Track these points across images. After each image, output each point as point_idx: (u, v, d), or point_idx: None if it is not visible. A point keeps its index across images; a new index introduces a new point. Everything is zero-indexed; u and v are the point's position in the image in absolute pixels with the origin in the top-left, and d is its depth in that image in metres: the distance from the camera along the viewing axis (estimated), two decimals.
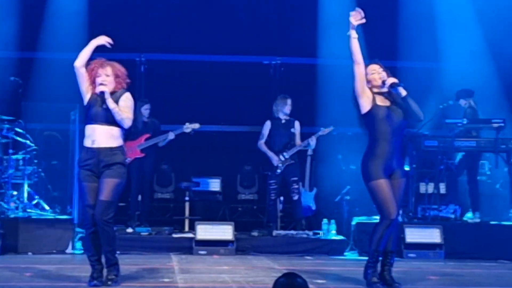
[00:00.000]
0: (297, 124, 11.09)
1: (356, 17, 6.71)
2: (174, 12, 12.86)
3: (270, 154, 10.90)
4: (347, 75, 12.08)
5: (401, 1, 12.38)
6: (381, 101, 6.95)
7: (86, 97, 7.02)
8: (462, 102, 11.42)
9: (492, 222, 10.93)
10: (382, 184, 6.81)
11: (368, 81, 6.98)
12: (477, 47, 12.00)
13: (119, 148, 6.95)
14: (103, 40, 7.04)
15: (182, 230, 11.00)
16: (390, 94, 6.94)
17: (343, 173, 11.54)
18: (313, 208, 11.30)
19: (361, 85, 6.88)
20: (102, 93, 6.93)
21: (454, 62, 12.58)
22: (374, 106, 6.90)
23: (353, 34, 6.76)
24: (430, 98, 11.84)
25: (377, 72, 6.96)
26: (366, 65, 6.99)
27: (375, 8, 12.08)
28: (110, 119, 6.88)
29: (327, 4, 12.66)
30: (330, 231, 10.68)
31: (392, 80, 6.89)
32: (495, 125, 10.98)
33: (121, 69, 7.08)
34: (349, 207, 11.20)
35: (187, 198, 11.37)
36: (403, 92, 6.87)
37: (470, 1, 12.20)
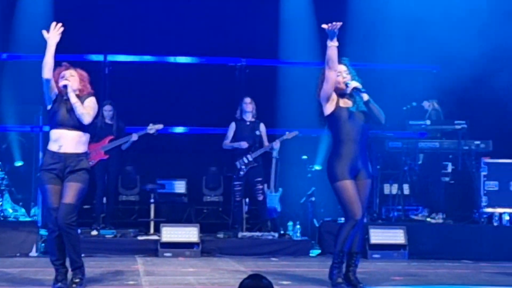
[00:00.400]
0: (262, 126, 11.10)
1: (334, 26, 6.67)
2: (139, 13, 12.81)
3: (237, 144, 10.91)
4: (309, 76, 12.18)
5: (367, 3, 12.46)
6: (344, 103, 6.97)
7: (52, 101, 6.94)
8: (426, 104, 11.52)
9: (455, 223, 11.03)
10: (348, 185, 6.83)
11: None
12: (443, 49, 12.10)
13: (85, 154, 6.93)
14: (53, 32, 6.86)
15: (147, 232, 10.95)
16: (352, 96, 6.96)
17: (308, 174, 11.57)
18: (278, 209, 11.31)
19: (331, 91, 6.90)
20: (65, 87, 6.85)
21: (419, 64, 12.71)
22: (337, 108, 6.93)
23: (335, 43, 6.74)
24: (394, 99, 11.93)
25: (341, 75, 6.96)
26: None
27: (339, 9, 12.21)
28: (77, 124, 6.84)
29: (287, 5, 12.72)
30: (295, 232, 10.70)
31: (354, 84, 6.91)
32: (458, 126, 11.12)
33: (84, 74, 7.06)
34: (314, 208, 11.24)
35: (152, 200, 11.32)
36: (365, 96, 6.89)
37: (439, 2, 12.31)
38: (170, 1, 12.84)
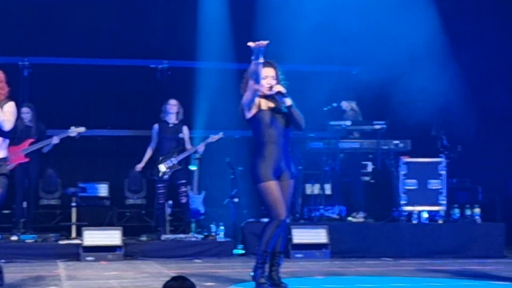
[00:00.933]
0: (185, 129, 11.06)
1: (260, 45, 6.66)
2: (59, 15, 12.61)
3: (144, 159, 10.91)
4: (231, 78, 12.22)
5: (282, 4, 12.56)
6: (266, 105, 6.99)
7: None
8: (344, 104, 11.65)
9: (375, 221, 11.20)
10: (272, 185, 6.86)
11: None
12: (362, 50, 12.27)
13: (3, 159, 6.78)
14: None
15: (69, 237, 10.80)
16: (275, 99, 6.99)
17: (231, 175, 11.55)
18: (202, 211, 11.30)
19: (253, 101, 6.90)
20: None
21: (339, 66, 12.88)
22: (259, 110, 6.94)
23: (260, 60, 6.73)
24: (315, 100, 12.03)
25: (267, 80, 6.95)
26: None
27: (254, 11, 12.28)
28: None
29: (205, 7, 12.74)
30: (218, 234, 10.70)
31: (278, 88, 6.93)
32: (377, 126, 11.28)
33: (0, 76, 6.90)
34: (237, 209, 11.26)
35: (74, 204, 11.17)
36: (287, 101, 6.93)
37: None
38: (92, 2, 12.67)
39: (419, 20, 12.10)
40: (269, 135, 6.91)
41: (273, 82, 6.99)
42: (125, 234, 10.29)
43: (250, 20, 12.35)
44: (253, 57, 6.67)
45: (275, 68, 7.06)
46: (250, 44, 6.62)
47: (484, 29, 12.88)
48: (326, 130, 11.38)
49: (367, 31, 12.14)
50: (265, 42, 6.61)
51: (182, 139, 10.98)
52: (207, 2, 12.82)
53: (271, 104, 7.00)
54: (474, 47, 12.75)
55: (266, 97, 6.99)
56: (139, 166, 11.01)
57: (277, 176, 6.92)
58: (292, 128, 7.08)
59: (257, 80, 6.77)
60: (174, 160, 10.84)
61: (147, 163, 11.07)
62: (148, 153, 11.01)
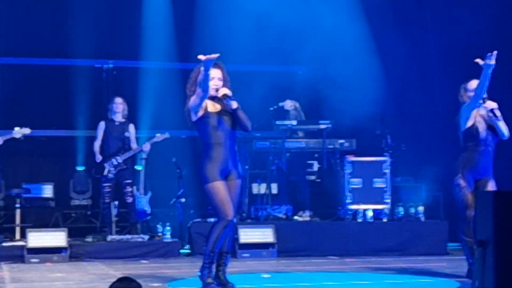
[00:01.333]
0: (131, 127, 10.99)
1: (210, 58, 6.66)
2: (1, 14, 12.42)
3: (98, 157, 10.78)
4: (176, 78, 12.19)
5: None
6: (212, 107, 6.99)
7: None
8: (287, 104, 11.69)
9: (321, 220, 11.27)
10: (219, 186, 6.87)
11: None
12: (307, 51, 12.33)
13: None
14: None
15: (12, 238, 10.64)
16: (221, 101, 6.99)
17: (177, 176, 11.52)
18: (148, 211, 11.25)
19: (199, 106, 6.89)
20: None
21: (286, 65, 12.93)
22: (206, 113, 6.94)
23: (209, 72, 6.74)
24: (261, 100, 12.07)
25: (213, 82, 6.94)
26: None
27: (200, 11, 12.28)
28: None
29: (149, 7, 12.71)
30: (165, 234, 10.66)
31: (224, 91, 6.93)
32: (323, 126, 11.35)
33: None
34: (183, 209, 11.23)
35: (18, 205, 11.01)
36: (234, 104, 6.94)
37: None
38: (38, 2, 12.52)
39: (359, 20, 12.23)
40: (216, 137, 6.92)
41: (220, 83, 6.99)
42: (70, 235, 10.19)
43: (193, 20, 12.37)
44: (202, 69, 6.67)
45: (222, 69, 7.06)
46: (200, 57, 6.65)
47: (426, 26, 13.07)
48: (272, 129, 11.41)
49: (312, 31, 12.21)
50: (215, 56, 6.65)
51: (128, 138, 10.91)
52: (150, 2, 12.77)
53: (218, 106, 7.00)
54: (416, 45, 12.95)
55: (213, 99, 6.99)
56: (99, 158, 10.82)
57: (225, 176, 6.94)
58: (238, 129, 7.10)
59: (205, 91, 6.78)
60: (119, 159, 10.76)
61: (94, 162, 10.96)
62: (97, 147, 10.86)
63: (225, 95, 6.91)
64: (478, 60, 7.33)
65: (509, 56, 11.89)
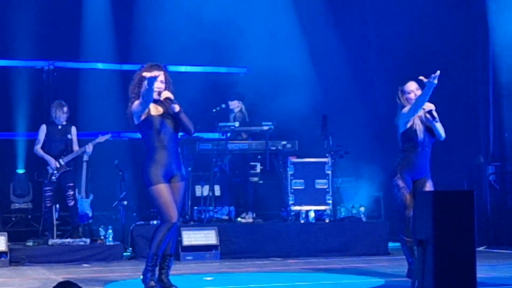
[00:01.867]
0: (73, 129, 10.88)
1: (154, 76, 6.68)
2: None
3: (47, 157, 10.63)
4: (116, 79, 12.12)
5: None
6: (155, 110, 6.98)
7: None
8: (235, 104, 11.71)
9: (264, 221, 11.32)
10: (162, 188, 6.87)
11: None
12: (249, 52, 12.38)
13: None
14: None
15: None
16: (164, 104, 6.99)
17: (120, 178, 11.47)
18: (90, 214, 11.15)
19: (143, 112, 6.88)
20: None
21: (228, 66, 12.96)
22: (148, 116, 6.93)
23: (152, 87, 6.76)
24: (204, 101, 12.08)
25: (155, 85, 6.94)
26: (148, 68, 6.97)
27: (136, 11, 12.24)
28: None
29: (89, 8, 12.62)
30: (107, 237, 10.60)
31: (166, 94, 6.94)
32: (265, 127, 11.39)
33: None
34: (126, 212, 11.17)
35: None
36: (176, 108, 6.95)
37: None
38: None
39: (300, 21, 12.32)
40: (159, 140, 6.92)
41: (162, 86, 6.99)
42: (10, 239, 10.05)
43: (133, 20, 12.34)
44: (145, 83, 6.68)
45: (164, 71, 7.06)
46: (145, 74, 6.66)
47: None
48: (215, 131, 11.42)
49: (255, 31, 12.26)
50: (158, 73, 6.75)
51: (71, 140, 10.80)
52: (90, 3, 12.68)
53: (161, 109, 7.00)
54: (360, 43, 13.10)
55: (155, 102, 6.99)
56: (54, 162, 10.66)
57: (168, 179, 6.95)
58: (181, 132, 7.11)
59: (147, 103, 6.79)
60: (62, 162, 10.66)
61: (35, 165, 10.83)
62: (40, 150, 10.72)
63: (167, 99, 6.91)
64: (422, 78, 7.44)
65: (448, 58, 12.16)
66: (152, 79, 6.69)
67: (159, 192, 6.87)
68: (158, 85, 6.95)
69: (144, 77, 6.82)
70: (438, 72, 7.32)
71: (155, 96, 6.93)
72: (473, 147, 12.57)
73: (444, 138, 7.77)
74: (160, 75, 6.98)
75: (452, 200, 5.79)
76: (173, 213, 6.90)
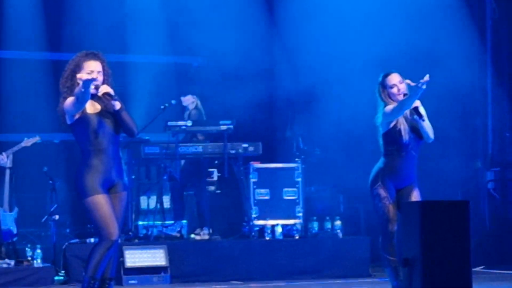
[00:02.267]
0: None
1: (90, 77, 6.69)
2: None
3: None
4: (44, 70, 12.06)
5: None
6: (92, 108, 6.96)
7: None
8: (186, 100, 11.70)
9: (223, 238, 11.34)
10: (101, 200, 6.85)
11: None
12: (205, 40, 12.40)
13: None
14: None
15: None
16: (102, 100, 6.98)
17: (50, 188, 11.42)
18: (15, 231, 11.10)
19: (78, 111, 6.88)
20: None
21: (178, 56, 12.96)
22: (84, 115, 6.92)
23: (90, 90, 6.77)
24: (150, 97, 12.08)
25: (92, 75, 6.93)
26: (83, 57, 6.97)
27: None
28: None
29: None
30: (35, 258, 10.55)
31: (105, 89, 6.92)
32: (223, 127, 11.37)
33: None
34: (57, 228, 11.12)
35: None
36: (117, 105, 6.94)
37: None
38: None
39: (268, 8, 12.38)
40: (96, 143, 6.90)
41: (100, 78, 6.98)
42: None
43: (67, 2, 12.29)
44: (81, 85, 6.68)
45: (102, 61, 7.05)
46: (81, 76, 6.68)
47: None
48: (163, 132, 11.41)
49: (209, 15, 12.28)
50: (96, 76, 6.74)
51: None
52: None
53: (98, 106, 6.99)
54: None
55: (92, 97, 6.98)
56: None
57: (107, 188, 6.93)
58: (122, 133, 7.10)
59: (80, 105, 6.78)
60: None
61: None
62: None
63: (106, 94, 6.91)
64: (409, 82, 7.50)
65: (439, 43, 12.28)
66: (88, 82, 6.68)
67: (97, 204, 6.85)
68: (95, 74, 6.94)
69: (79, 67, 6.83)
70: (427, 76, 7.37)
71: (92, 90, 6.92)
72: (468, 150, 12.72)
73: (433, 140, 7.84)
74: (97, 66, 6.98)
75: (443, 211, 5.86)
76: (114, 229, 6.88)
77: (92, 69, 6.92)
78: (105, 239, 6.90)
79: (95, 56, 7.00)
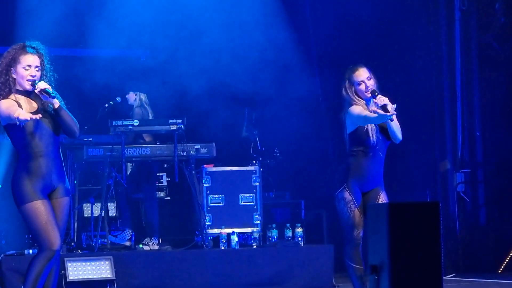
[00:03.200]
0: None
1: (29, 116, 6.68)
2: None
3: None
4: None
5: None
6: (28, 107, 6.92)
7: None
8: (132, 97, 11.66)
9: (173, 249, 11.31)
10: (40, 206, 6.84)
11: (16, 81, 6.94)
12: (152, 31, 12.39)
13: None
14: None
15: None
16: (39, 97, 6.95)
17: None
18: None
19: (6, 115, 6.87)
20: None
21: (122, 49, 12.93)
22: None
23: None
24: (92, 94, 12.03)
25: (28, 72, 6.89)
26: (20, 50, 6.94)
27: None
28: None
29: None
30: None
31: (43, 85, 6.89)
32: (173, 127, 11.34)
33: None
34: None
35: None
36: (55, 104, 6.91)
37: None
38: None
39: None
40: (34, 145, 6.88)
41: (37, 74, 6.95)
42: None
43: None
44: (16, 119, 6.65)
45: (40, 55, 7.02)
46: (17, 114, 6.64)
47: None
48: (107, 132, 11.37)
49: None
50: (33, 116, 6.65)
51: None
52: None
53: (35, 105, 6.96)
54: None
55: (29, 94, 6.94)
56: None
57: (47, 194, 6.91)
58: (63, 134, 7.07)
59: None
60: None
61: None
62: None
63: (43, 91, 6.86)
64: (376, 110, 7.52)
65: (402, 31, 12.36)
66: (24, 121, 6.64)
67: (36, 211, 6.83)
68: (32, 72, 6.91)
69: (15, 61, 6.81)
70: (394, 106, 7.43)
71: (28, 87, 6.89)
72: (437, 150, 12.81)
73: (401, 140, 7.88)
74: (35, 60, 6.95)
75: (412, 214, 5.88)
76: (54, 238, 6.86)
77: (29, 63, 6.90)
78: (45, 250, 6.88)
79: (33, 50, 6.96)
